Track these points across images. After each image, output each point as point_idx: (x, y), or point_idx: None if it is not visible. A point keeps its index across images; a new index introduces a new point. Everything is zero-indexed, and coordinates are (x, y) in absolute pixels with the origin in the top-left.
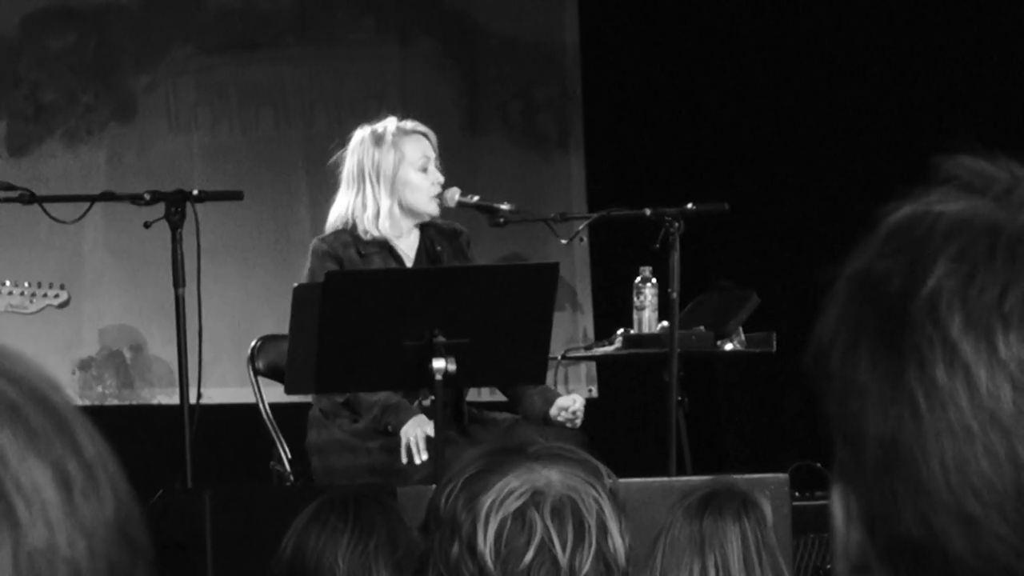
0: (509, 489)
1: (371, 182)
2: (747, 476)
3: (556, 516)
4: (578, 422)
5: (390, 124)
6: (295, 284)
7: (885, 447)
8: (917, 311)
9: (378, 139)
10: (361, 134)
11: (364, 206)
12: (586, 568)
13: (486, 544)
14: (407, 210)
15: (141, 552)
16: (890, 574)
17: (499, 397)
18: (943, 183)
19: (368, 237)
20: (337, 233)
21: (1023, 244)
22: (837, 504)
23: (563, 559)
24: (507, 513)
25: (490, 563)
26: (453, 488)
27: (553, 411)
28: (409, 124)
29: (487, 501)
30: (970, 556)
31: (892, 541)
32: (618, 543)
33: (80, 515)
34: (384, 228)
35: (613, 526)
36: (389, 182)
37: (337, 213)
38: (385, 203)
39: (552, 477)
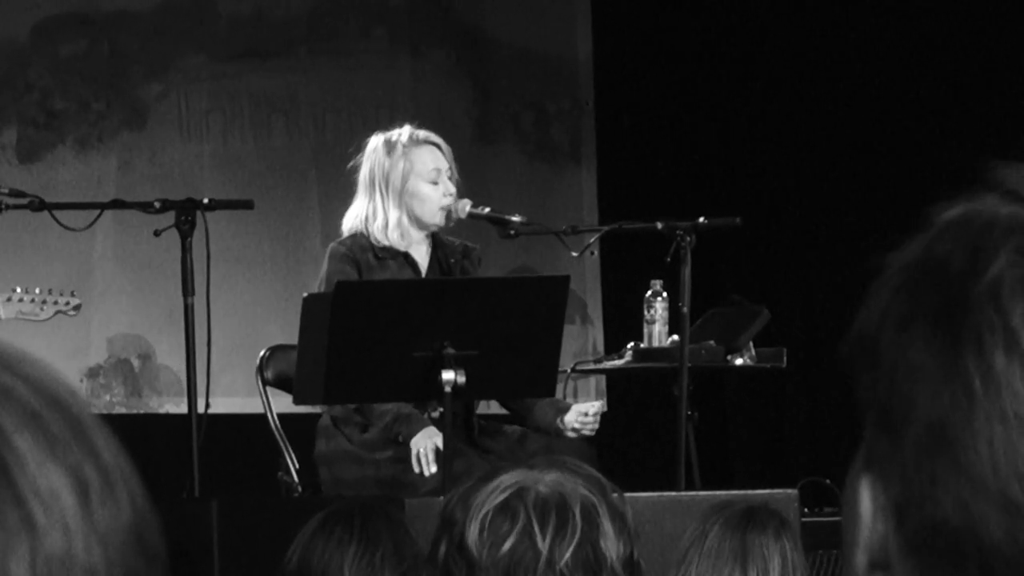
0: (497, 484)
1: (380, 191)
2: (757, 492)
3: (539, 506)
4: (596, 426)
5: (404, 133)
6: (305, 294)
7: (933, 428)
8: (978, 295)
9: (390, 148)
10: (375, 142)
11: (374, 215)
12: (566, 557)
13: (472, 535)
14: (416, 221)
15: (157, 559)
16: (915, 566)
17: None
18: (989, 189)
19: (379, 245)
20: (355, 237)
21: None
22: (865, 494)
23: (543, 546)
24: (493, 505)
25: (475, 553)
26: (452, 497)
27: (571, 416)
28: (422, 134)
29: (477, 498)
30: (1007, 545)
31: (925, 529)
32: (611, 542)
33: (97, 521)
34: (393, 238)
35: (607, 525)
36: (397, 193)
37: (350, 219)
38: (394, 214)
39: (544, 477)
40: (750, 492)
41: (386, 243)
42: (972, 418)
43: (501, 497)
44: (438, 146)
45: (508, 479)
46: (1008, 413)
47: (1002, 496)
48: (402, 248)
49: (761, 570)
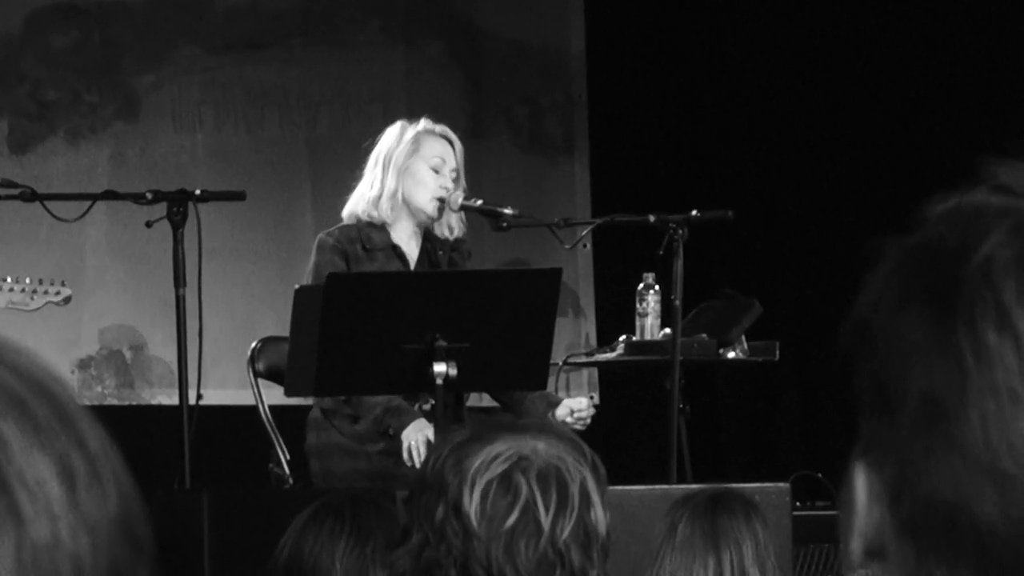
0: (496, 453)
1: (383, 167)
2: (748, 485)
3: (541, 480)
4: (587, 421)
5: (421, 122)
6: (296, 285)
7: (926, 404)
8: (971, 272)
9: (403, 130)
10: (393, 125)
11: (371, 187)
12: (566, 534)
13: (471, 505)
14: (407, 203)
15: (143, 548)
16: (910, 548)
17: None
18: (983, 184)
19: (366, 218)
20: (343, 228)
21: None
22: (860, 480)
23: (545, 522)
24: (493, 475)
25: (475, 523)
26: (440, 454)
27: (562, 411)
28: (438, 127)
29: (474, 464)
30: (1000, 521)
31: (919, 507)
32: (600, 515)
33: (83, 509)
34: (383, 209)
35: (596, 498)
36: (398, 169)
37: (353, 199)
38: (389, 185)
39: (538, 446)
40: (742, 485)
41: (373, 213)
42: (965, 393)
43: (500, 468)
44: (451, 143)
45: (504, 448)
46: (1000, 388)
47: (994, 470)
48: (380, 221)
49: (735, 554)
